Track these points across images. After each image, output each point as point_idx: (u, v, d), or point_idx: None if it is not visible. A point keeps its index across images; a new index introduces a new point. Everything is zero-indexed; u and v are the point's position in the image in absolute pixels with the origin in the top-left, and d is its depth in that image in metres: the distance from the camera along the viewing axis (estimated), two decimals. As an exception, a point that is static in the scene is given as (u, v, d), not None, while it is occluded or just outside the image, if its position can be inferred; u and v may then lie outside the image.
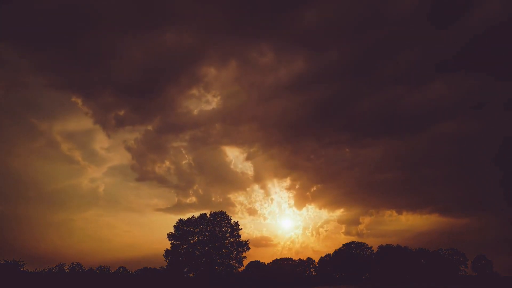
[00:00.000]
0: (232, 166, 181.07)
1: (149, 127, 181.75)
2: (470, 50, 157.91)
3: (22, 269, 52.43)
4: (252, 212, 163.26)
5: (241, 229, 69.54)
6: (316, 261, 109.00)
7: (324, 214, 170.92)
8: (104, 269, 66.58)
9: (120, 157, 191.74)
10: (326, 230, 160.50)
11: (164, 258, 67.00)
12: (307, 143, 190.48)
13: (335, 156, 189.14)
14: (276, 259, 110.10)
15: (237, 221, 69.85)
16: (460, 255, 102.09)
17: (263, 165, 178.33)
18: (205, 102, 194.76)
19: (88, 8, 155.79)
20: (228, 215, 69.99)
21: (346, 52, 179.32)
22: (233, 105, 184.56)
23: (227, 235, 68.49)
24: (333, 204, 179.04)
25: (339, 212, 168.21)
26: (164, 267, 68.19)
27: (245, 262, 69.90)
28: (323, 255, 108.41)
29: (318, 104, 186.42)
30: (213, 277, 66.15)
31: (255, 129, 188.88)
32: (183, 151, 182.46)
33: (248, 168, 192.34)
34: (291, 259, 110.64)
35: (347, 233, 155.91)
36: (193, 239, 67.89)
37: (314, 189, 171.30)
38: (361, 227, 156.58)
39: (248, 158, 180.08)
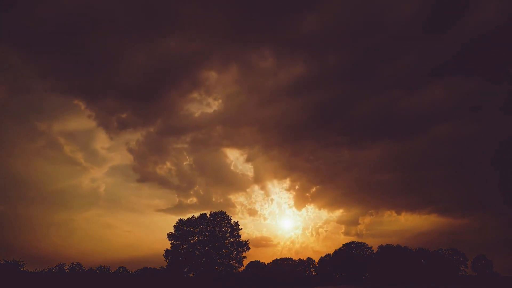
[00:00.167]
0: (232, 168, 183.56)
1: (151, 129, 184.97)
2: (466, 54, 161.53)
3: (22, 269, 52.43)
4: (252, 212, 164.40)
5: (241, 229, 69.60)
6: (316, 261, 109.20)
7: (324, 215, 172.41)
8: (104, 269, 66.55)
9: (121, 157, 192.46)
10: (325, 231, 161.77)
11: (164, 258, 67.12)
12: (306, 145, 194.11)
13: (334, 157, 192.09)
14: (276, 259, 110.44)
15: (237, 221, 69.92)
16: (460, 255, 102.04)
17: (263, 166, 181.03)
18: (206, 105, 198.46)
19: (92, 14, 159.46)
20: (228, 215, 70.00)
21: (344, 56, 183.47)
22: (233, 108, 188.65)
23: (227, 235, 68.46)
24: (332, 204, 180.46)
25: (338, 213, 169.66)
26: (164, 267, 68.18)
27: (245, 262, 69.96)
28: (323, 255, 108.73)
29: (317, 107, 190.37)
30: (213, 277, 66.14)
31: (255, 131, 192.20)
32: (184, 153, 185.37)
33: (248, 170, 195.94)
34: (291, 259, 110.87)
35: (346, 233, 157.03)
36: (193, 239, 67.86)
37: (314, 190, 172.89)
38: (360, 227, 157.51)
39: (248, 160, 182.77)
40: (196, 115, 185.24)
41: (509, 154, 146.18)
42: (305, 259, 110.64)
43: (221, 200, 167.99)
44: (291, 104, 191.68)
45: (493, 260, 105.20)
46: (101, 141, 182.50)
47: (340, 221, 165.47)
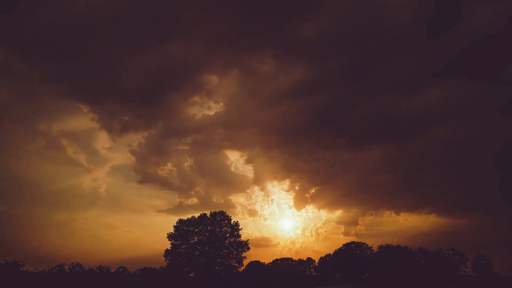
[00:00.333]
0: (232, 169, 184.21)
1: (152, 132, 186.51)
2: (464, 57, 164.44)
3: (22, 269, 52.44)
4: (252, 213, 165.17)
5: (241, 229, 69.61)
6: (316, 261, 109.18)
7: (323, 215, 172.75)
8: (104, 269, 66.52)
9: (122, 158, 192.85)
10: (325, 231, 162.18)
11: (164, 258, 67.11)
12: (306, 146, 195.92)
13: (333, 159, 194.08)
14: (276, 259, 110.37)
15: (237, 221, 69.93)
16: (460, 255, 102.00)
17: (263, 168, 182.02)
18: (207, 108, 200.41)
19: (95, 20, 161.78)
20: (228, 215, 70.00)
21: (343, 60, 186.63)
22: (234, 111, 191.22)
23: (227, 235, 68.45)
24: (332, 205, 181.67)
25: (338, 213, 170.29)
26: (164, 267, 68.17)
27: (245, 262, 70.01)
28: (323, 255, 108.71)
29: (317, 110, 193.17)
30: (213, 277, 66.15)
31: (255, 133, 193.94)
32: (185, 155, 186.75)
33: (248, 171, 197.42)
34: (291, 259, 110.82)
35: (346, 233, 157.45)
36: (193, 239, 67.85)
37: (313, 190, 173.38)
38: (359, 227, 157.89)
39: (248, 161, 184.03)
40: (197, 117, 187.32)
41: (509, 155, 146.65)
42: (305, 259, 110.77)
43: (222, 201, 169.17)
44: (291, 107, 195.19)
45: (493, 260, 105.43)
46: (102, 141, 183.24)
47: (339, 222, 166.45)
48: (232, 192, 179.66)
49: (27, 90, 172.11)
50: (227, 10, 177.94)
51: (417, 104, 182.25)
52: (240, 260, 68.02)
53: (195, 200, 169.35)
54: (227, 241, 68.16)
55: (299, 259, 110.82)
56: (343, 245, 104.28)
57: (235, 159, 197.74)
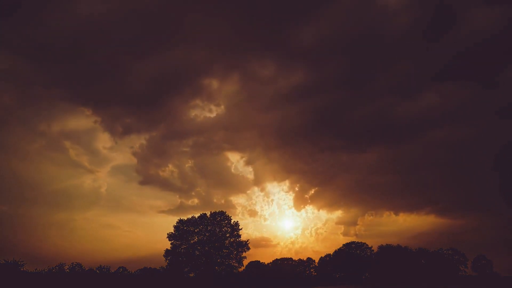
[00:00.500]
0: (233, 170, 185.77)
1: (154, 134, 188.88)
2: (460, 62, 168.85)
3: (22, 269, 52.43)
4: (252, 213, 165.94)
5: (241, 229, 69.55)
6: (316, 261, 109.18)
7: (323, 216, 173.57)
8: (104, 269, 66.51)
9: (123, 159, 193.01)
10: (325, 231, 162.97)
11: (164, 258, 67.07)
12: (305, 148, 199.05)
13: (332, 160, 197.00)
14: (276, 259, 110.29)
15: (237, 221, 69.86)
16: (460, 255, 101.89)
17: (263, 169, 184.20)
18: (208, 111, 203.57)
19: (99, 26, 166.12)
20: (228, 215, 69.93)
21: (341, 64, 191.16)
22: (235, 113, 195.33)
23: (227, 235, 68.42)
24: (331, 205, 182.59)
25: (337, 214, 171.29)
26: (164, 267, 68.14)
27: (245, 262, 69.95)
28: (323, 255, 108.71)
29: (316, 112, 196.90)
30: (213, 277, 66.13)
31: (255, 135, 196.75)
32: (186, 156, 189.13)
33: (248, 172, 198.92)
34: (291, 259, 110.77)
35: (345, 234, 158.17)
36: (193, 239, 67.80)
37: (312, 191, 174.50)
38: (359, 228, 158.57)
39: (248, 162, 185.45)
40: (198, 120, 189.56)
41: (509, 156, 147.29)
42: (305, 259, 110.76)
43: (222, 202, 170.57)
44: (291, 110, 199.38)
45: (493, 260, 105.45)
46: (103, 141, 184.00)
47: (339, 222, 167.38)
48: (233, 193, 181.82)
49: (31, 94, 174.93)
50: (228, 15, 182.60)
51: (415, 107, 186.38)
52: (240, 260, 67.99)
53: (195, 200, 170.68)
54: (227, 241, 68.13)
55: (299, 259, 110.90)
56: (343, 245, 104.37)
57: (235, 160, 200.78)
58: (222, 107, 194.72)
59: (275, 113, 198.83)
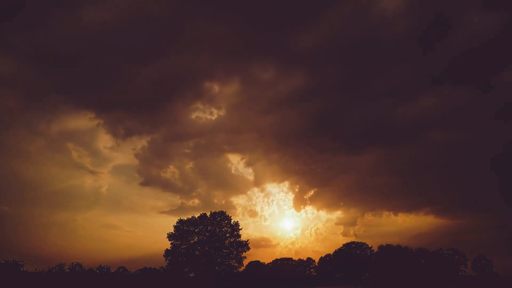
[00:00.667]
0: (233, 171, 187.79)
1: (156, 136, 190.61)
2: (458, 65, 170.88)
3: (22, 269, 52.42)
4: (252, 214, 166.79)
5: (241, 229, 69.52)
6: (316, 261, 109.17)
7: (323, 216, 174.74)
8: (104, 269, 66.52)
9: (125, 159, 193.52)
10: (324, 231, 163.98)
11: (164, 258, 67.06)
12: (304, 150, 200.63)
13: (331, 162, 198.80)
14: (276, 259, 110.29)
15: (237, 221, 69.82)
16: (460, 255, 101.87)
17: (263, 170, 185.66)
18: (209, 114, 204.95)
19: (103, 34, 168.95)
20: (228, 215, 69.90)
21: (340, 68, 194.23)
22: (235, 116, 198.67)
23: (227, 235, 68.41)
24: (330, 206, 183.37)
25: (337, 214, 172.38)
26: (164, 267, 68.14)
27: (245, 262, 69.93)
28: (323, 255, 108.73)
29: (315, 115, 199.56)
30: (213, 277, 66.11)
31: (255, 138, 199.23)
32: (187, 158, 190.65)
33: (248, 173, 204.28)
34: (291, 259, 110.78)
35: (344, 234, 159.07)
36: (193, 239, 67.78)
37: (312, 192, 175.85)
38: (358, 228, 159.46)
39: (249, 164, 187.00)
40: (199, 122, 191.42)
41: (509, 156, 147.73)
42: (305, 259, 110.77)
43: (223, 202, 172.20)
44: (290, 113, 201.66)
45: (493, 260, 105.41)
46: (104, 142, 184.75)
47: (338, 222, 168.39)
48: (233, 194, 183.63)
49: (35, 97, 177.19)
50: (229, 20, 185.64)
51: (413, 109, 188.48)
52: (240, 260, 67.98)
53: (196, 201, 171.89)
54: (227, 241, 68.11)
55: (299, 259, 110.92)
56: (343, 245, 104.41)
57: (235, 162, 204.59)
58: (223, 109, 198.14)
59: (275, 115, 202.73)
